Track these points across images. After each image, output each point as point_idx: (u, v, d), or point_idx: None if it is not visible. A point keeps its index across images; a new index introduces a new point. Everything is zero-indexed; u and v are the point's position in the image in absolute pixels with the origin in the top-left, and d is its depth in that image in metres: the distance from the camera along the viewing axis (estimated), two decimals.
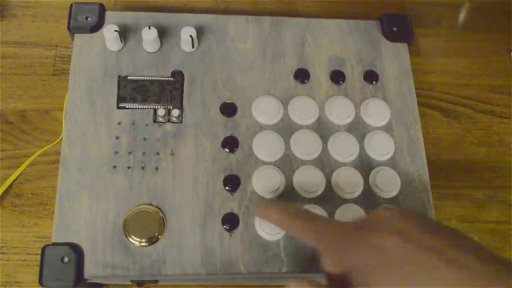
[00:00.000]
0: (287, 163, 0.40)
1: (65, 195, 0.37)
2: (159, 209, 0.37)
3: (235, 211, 0.38)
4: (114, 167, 0.38)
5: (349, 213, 0.38)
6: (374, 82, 0.43)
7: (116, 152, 0.39)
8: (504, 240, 0.47)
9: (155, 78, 0.41)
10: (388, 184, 0.39)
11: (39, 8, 0.52)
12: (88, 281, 0.37)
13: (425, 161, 0.41)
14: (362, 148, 0.41)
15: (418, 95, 0.43)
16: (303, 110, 0.41)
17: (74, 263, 0.35)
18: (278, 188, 0.38)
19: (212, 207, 0.38)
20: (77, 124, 0.39)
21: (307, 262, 0.37)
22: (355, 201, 0.39)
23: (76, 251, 0.35)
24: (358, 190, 0.39)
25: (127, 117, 0.40)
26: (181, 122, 0.40)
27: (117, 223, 0.37)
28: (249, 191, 0.38)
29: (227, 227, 0.37)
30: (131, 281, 0.38)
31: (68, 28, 0.42)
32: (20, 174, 0.45)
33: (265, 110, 0.41)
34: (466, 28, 0.57)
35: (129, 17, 0.43)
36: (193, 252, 0.36)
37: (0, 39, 0.50)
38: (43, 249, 0.36)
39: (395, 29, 0.45)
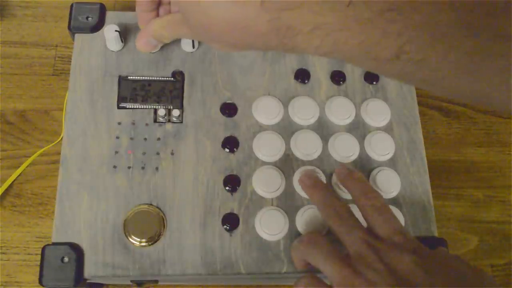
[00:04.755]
0: (287, 163, 0.39)
1: (65, 195, 0.37)
2: (159, 209, 0.37)
3: (235, 211, 0.38)
4: (114, 167, 0.38)
5: None
6: (374, 83, 0.43)
7: (116, 152, 0.39)
8: (504, 240, 0.47)
9: (155, 78, 0.41)
10: (388, 184, 0.39)
11: (39, 8, 0.52)
12: (88, 281, 0.37)
13: (425, 161, 0.41)
14: (362, 148, 0.41)
15: (418, 95, 0.43)
16: (304, 110, 0.41)
17: (74, 263, 0.35)
18: (278, 188, 0.38)
19: (212, 207, 0.38)
20: (77, 124, 0.39)
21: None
22: (354, 200, 0.39)
23: (76, 251, 0.35)
24: None
25: (128, 117, 0.40)
26: (182, 122, 0.40)
27: (117, 223, 0.37)
28: (249, 191, 0.38)
29: (227, 227, 0.37)
30: (131, 281, 0.38)
31: (69, 28, 0.42)
32: (20, 174, 0.45)
33: (265, 110, 0.41)
34: None
35: (129, 17, 0.43)
36: (193, 252, 0.36)
37: (0, 39, 0.50)
38: (43, 249, 0.36)
39: None
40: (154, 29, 0.37)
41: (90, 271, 0.35)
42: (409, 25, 0.25)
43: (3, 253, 0.43)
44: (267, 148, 0.39)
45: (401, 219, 0.38)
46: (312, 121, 0.41)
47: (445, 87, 0.29)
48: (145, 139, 0.39)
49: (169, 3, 0.38)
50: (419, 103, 0.43)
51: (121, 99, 0.40)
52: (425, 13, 0.25)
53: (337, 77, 0.43)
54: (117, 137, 0.39)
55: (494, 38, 0.25)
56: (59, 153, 0.39)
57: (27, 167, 0.46)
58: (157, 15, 0.39)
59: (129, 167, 0.38)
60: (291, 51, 0.29)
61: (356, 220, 0.34)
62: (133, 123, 0.40)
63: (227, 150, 0.39)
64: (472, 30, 0.25)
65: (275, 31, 0.28)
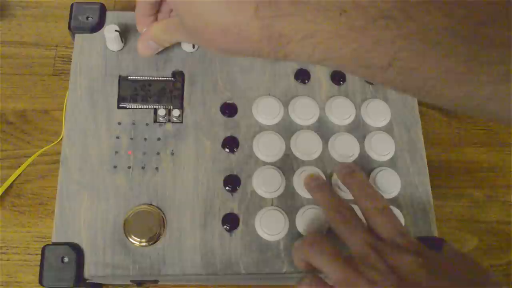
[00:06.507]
0: (287, 164, 0.39)
1: (65, 195, 0.37)
2: (159, 209, 0.37)
3: (235, 211, 0.38)
4: (115, 167, 0.38)
5: None
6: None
7: (116, 152, 0.39)
8: (504, 240, 0.47)
9: (155, 78, 0.41)
10: (388, 184, 0.39)
11: (39, 8, 0.52)
12: (88, 281, 0.37)
13: (425, 161, 0.41)
14: (362, 148, 0.41)
15: None
16: (304, 111, 0.41)
17: (74, 263, 0.35)
18: (278, 188, 0.38)
19: (212, 207, 0.38)
20: (78, 124, 0.39)
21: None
22: (355, 202, 0.39)
23: (76, 251, 0.35)
24: None
25: (128, 117, 0.40)
26: (182, 122, 0.40)
27: (117, 223, 0.37)
28: (249, 191, 0.38)
29: (227, 227, 0.37)
30: (131, 281, 0.38)
31: (69, 28, 0.42)
32: (20, 174, 0.45)
33: (265, 110, 0.41)
34: None
35: (129, 17, 0.43)
36: (193, 252, 0.36)
37: (0, 39, 0.50)
38: (43, 249, 0.36)
39: None
40: (154, 32, 0.37)
41: (90, 271, 0.35)
42: (402, 32, 0.25)
43: (3, 253, 0.43)
44: (267, 148, 0.39)
45: (401, 219, 0.38)
46: (312, 121, 0.41)
47: (440, 96, 0.29)
48: (145, 139, 0.39)
49: (170, 11, 0.39)
50: (419, 103, 0.43)
51: (121, 99, 0.40)
52: (419, 21, 0.25)
53: (337, 77, 0.43)
54: (117, 137, 0.39)
55: (488, 46, 0.25)
56: (59, 153, 0.39)
57: (27, 167, 0.46)
58: (156, 19, 0.39)
59: (129, 167, 0.38)
60: (283, 59, 0.29)
61: (360, 221, 0.34)
62: (133, 123, 0.40)
63: (227, 150, 0.39)
64: (466, 37, 0.25)
65: (267, 39, 0.28)
